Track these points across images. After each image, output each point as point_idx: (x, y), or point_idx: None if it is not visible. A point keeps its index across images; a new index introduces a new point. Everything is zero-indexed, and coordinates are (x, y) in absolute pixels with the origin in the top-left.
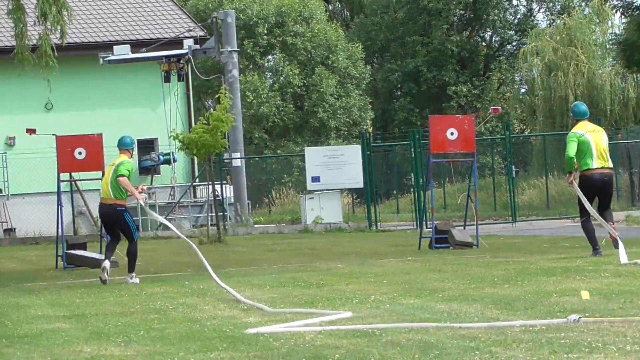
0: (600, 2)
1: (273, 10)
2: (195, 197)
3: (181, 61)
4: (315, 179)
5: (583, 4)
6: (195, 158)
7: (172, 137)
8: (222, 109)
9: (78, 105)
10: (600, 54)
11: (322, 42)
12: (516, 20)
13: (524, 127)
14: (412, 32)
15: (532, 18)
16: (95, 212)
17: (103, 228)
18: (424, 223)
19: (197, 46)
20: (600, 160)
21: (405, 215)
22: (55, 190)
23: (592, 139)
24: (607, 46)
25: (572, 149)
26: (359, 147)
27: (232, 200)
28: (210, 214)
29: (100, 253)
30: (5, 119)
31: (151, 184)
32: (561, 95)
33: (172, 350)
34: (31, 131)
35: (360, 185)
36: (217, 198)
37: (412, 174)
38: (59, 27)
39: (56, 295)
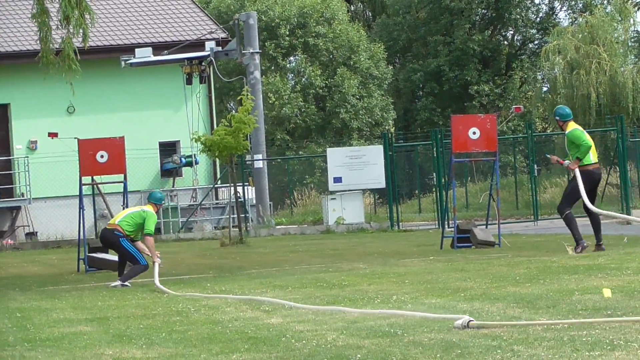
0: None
1: (295, 12)
2: (217, 199)
3: (203, 63)
4: (337, 180)
5: (605, 1)
6: (217, 160)
7: (194, 140)
8: (244, 110)
9: (100, 108)
10: (622, 51)
11: (344, 43)
12: (538, 19)
13: (546, 125)
14: (434, 31)
15: (554, 16)
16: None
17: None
18: (446, 222)
19: (219, 48)
20: (595, 156)
21: (428, 215)
22: (77, 193)
23: (588, 137)
24: (630, 44)
25: (589, 139)
26: (381, 147)
27: (254, 201)
28: (232, 216)
29: None
30: (27, 123)
31: (173, 187)
32: (583, 94)
33: (194, 352)
34: (53, 135)
35: (382, 185)
36: (239, 200)
37: (434, 174)
38: (81, 30)
39: (78, 298)
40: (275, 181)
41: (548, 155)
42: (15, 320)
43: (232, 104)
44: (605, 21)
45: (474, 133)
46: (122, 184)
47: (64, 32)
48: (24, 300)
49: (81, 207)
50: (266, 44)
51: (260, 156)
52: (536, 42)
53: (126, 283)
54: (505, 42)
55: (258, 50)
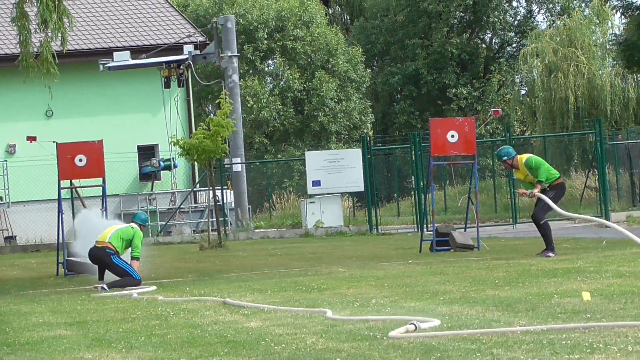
0: (600, 2)
1: (273, 15)
2: (196, 202)
3: (181, 67)
4: (316, 183)
5: (583, 4)
6: (196, 164)
7: (172, 143)
8: (222, 114)
9: (78, 112)
10: (601, 54)
11: (322, 46)
12: (516, 22)
13: (525, 128)
14: (412, 35)
15: (532, 19)
16: None
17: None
18: (425, 226)
19: (197, 52)
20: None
21: (406, 218)
22: (56, 197)
23: None
24: (607, 47)
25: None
26: (359, 150)
27: (233, 205)
28: (211, 219)
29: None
30: (5, 126)
31: (152, 190)
32: (561, 97)
33: (174, 356)
34: (32, 139)
35: (361, 188)
36: (218, 203)
37: (413, 177)
38: (59, 34)
39: (57, 302)
40: (254, 185)
41: (516, 191)
42: None
43: (210, 108)
44: (583, 24)
45: (452, 136)
46: (100, 188)
47: (42, 36)
48: (2, 304)
49: (60, 211)
50: (244, 47)
51: (238, 160)
52: (514, 45)
53: (106, 288)
54: (484, 45)
55: (236, 54)
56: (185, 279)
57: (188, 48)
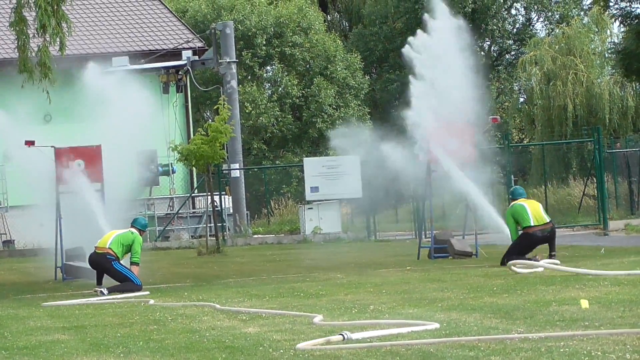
0: (599, 11)
1: (272, 21)
2: (194, 208)
3: (180, 72)
4: (314, 190)
5: (582, 13)
6: (194, 169)
7: (170, 149)
8: (220, 120)
9: (76, 116)
10: (599, 62)
11: (320, 53)
12: (515, 30)
13: (523, 136)
14: None
15: (531, 27)
16: None
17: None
18: (423, 233)
19: (196, 57)
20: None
21: (404, 225)
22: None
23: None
24: (606, 55)
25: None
26: (357, 157)
27: (231, 210)
28: (209, 225)
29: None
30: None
31: (150, 195)
32: (560, 105)
33: None
34: (30, 143)
35: (359, 195)
36: (216, 209)
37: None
38: (58, 39)
39: (55, 306)
40: (252, 190)
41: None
42: None
43: (208, 113)
44: (582, 32)
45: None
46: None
47: (40, 41)
48: (0, 308)
49: (58, 216)
50: (243, 53)
51: (237, 165)
52: (513, 53)
53: (105, 292)
54: (482, 53)
55: (235, 60)
56: (183, 284)
57: (187, 54)
